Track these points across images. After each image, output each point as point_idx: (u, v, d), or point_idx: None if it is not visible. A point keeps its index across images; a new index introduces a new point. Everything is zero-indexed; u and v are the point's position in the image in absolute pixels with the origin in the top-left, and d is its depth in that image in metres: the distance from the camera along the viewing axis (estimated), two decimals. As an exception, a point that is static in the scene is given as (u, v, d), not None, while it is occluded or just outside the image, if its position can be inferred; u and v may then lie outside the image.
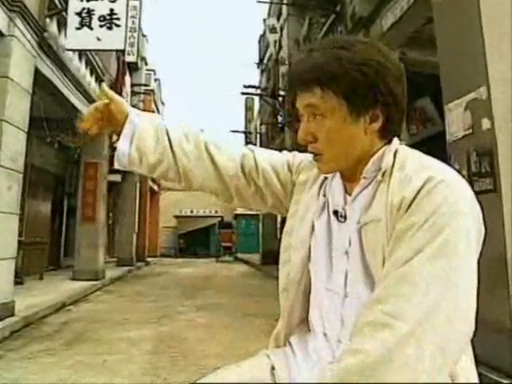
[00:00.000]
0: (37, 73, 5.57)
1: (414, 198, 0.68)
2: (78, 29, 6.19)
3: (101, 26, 6.21)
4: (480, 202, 0.71)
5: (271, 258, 13.80)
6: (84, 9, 6.23)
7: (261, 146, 15.11)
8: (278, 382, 0.84)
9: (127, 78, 11.91)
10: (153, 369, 3.26)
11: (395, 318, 0.61)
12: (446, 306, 0.61)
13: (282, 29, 12.88)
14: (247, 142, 17.43)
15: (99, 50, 7.63)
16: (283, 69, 11.94)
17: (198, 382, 0.85)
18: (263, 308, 5.81)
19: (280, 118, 13.23)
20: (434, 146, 3.53)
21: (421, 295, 0.61)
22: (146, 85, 16.36)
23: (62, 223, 11.70)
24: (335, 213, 0.84)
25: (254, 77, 20.01)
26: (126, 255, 13.86)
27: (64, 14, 6.36)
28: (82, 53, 7.82)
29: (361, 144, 0.79)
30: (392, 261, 0.67)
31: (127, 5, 6.49)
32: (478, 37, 2.98)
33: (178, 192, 23.64)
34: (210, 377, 0.86)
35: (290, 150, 1.05)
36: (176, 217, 25.79)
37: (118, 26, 6.27)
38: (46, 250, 9.22)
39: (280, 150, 1.07)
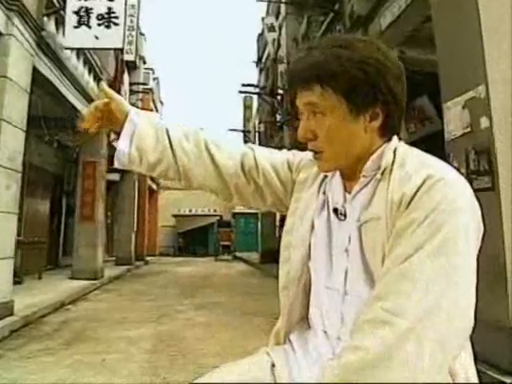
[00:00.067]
0: (35, 72, 5.56)
1: (414, 195, 0.68)
2: (76, 27, 6.17)
3: (99, 25, 6.20)
4: (478, 200, 0.72)
5: (270, 257, 13.81)
6: (82, 7, 6.21)
7: (259, 144, 15.09)
8: (278, 379, 0.84)
9: (125, 77, 11.89)
10: (152, 368, 3.26)
11: (395, 314, 0.61)
12: (447, 304, 0.61)
13: (280, 27, 12.87)
14: (245, 141, 17.40)
15: (97, 49, 7.61)
16: (282, 67, 11.93)
17: (197, 380, 0.85)
18: (262, 307, 5.82)
19: (278, 117, 13.23)
20: (433, 144, 3.53)
21: (421, 293, 0.62)
22: (144, 84, 16.33)
23: (60, 222, 11.68)
24: (335, 211, 0.84)
25: (253, 75, 20.02)
26: (125, 254, 13.85)
27: (62, 12, 6.35)
28: (80, 51, 7.80)
29: (360, 142, 0.79)
30: (392, 258, 0.67)
31: (125, 3, 6.48)
32: (477, 35, 2.98)
33: (177, 191, 23.65)
34: (209, 375, 0.86)
35: (288, 149, 1.06)
36: (175, 216, 25.79)
37: (116, 24, 6.25)
38: (44, 249, 9.22)
39: (279, 149, 1.07)
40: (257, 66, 18.91)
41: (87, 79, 8.54)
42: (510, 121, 2.87)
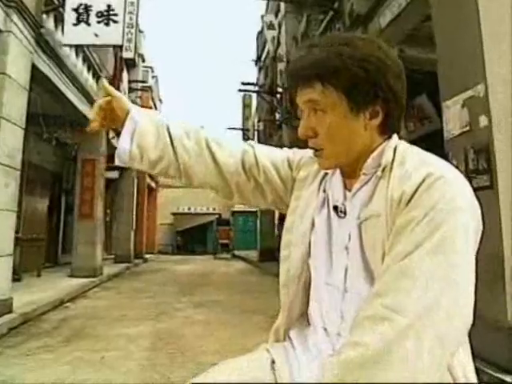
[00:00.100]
0: (34, 69, 5.54)
1: (414, 193, 0.69)
2: (75, 25, 6.17)
3: (98, 22, 6.19)
4: (478, 199, 0.72)
5: (269, 255, 13.83)
6: (81, 5, 6.20)
7: (258, 143, 15.06)
8: (278, 375, 0.84)
9: (124, 75, 11.88)
10: (151, 365, 3.26)
11: (395, 311, 0.62)
12: (446, 302, 0.62)
13: (280, 26, 12.85)
14: (244, 139, 17.40)
15: (97, 46, 7.59)
16: (281, 66, 11.93)
17: (198, 377, 0.86)
18: (261, 305, 5.83)
19: (278, 115, 13.21)
20: (432, 143, 3.54)
21: (420, 290, 0.62)
22: (143, 81, 16.31)
23: (59, 220, 11.68)
24: (335, 208, 0.85)
25: (252, 74, 19.99)
26: (124, 252, 13.86)
27: (61, 9, 6.33)
28: (79, 49, 7.78)
29: (361, 140, 0.80)
30: (392, 255, 0.68)
31: (125, 1, 6.46)
32: (476, 35, 2.99)
33: (176, 189, 23.66)
34: (210, 371, 0.86)
35: (288, 147, 1.06)
36: (174, 214, 25.78)
37: (115, 22, 6.24)
38: (43, 246, 9.21)
39: (278, 148, 1.07)
40: (256, 64, 18.88)
41: (86, 77, 8.53)
42: (509, 120, 2.88)
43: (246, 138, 18.68)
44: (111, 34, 6.25)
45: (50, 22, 6.29)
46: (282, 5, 12.39)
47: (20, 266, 7.28)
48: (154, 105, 19.30)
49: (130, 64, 13.81)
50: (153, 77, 19.55)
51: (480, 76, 2.95)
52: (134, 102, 13.26)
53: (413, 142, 0.82)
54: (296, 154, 1.00)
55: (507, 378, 2.51)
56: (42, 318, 5.05)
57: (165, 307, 5.81)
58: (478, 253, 0.70)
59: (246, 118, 20.82)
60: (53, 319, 4.99)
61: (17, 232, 5.76)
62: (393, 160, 0.77)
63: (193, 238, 25.59)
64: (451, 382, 0.68)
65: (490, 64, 2.92)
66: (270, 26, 13.24)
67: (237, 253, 20.73)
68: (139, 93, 15.84)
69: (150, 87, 17.67)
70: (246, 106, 21.00)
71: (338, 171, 0.88)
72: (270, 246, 14.35)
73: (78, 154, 9.59)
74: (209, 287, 8.31)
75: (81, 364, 3.27)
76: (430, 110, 5.89)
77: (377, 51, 0.77)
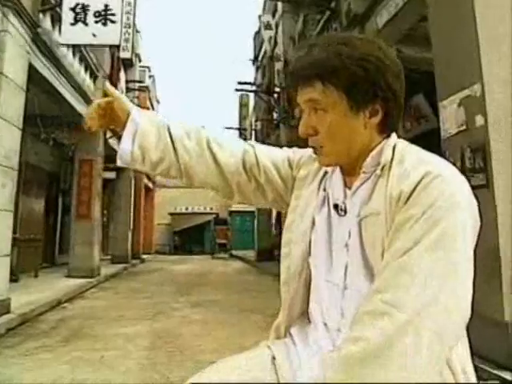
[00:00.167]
0: (31, 69, 5.53)
1: (412, 191, 0.70)
2: (72, 24, 6.14)
3: (96, 22, 6.17)
4: (476, 197, 0.73)
5: (266, 255, 13.85)
6: (78, 4, 6.18)
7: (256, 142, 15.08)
8: (279, 371, 0.85)
9: (122, 75, 11.85)
10: (150, 364, 3.27)
11: (394, 307, 0.63)
12: (444, 299, 0.63)
13: (277, 25, 12.87)
14: (241, 139, 17.39)
15: (94, 46, 7.58)
16: (278, 65, 11.94)
17: (198, 375, 0.86)
18: (259, 304, 5.84)
19: (275, 115, 13.23)
20: (428, 142, 3.56)
21: (419, 287, 0.63)
22: (140, 81, 16.28)
23: (56, 220, 11.64)
24: (335, 207, 0.86)
25: (249, 73, 19.99)
26: (121, 252, 13.82)
27: (58, 9, 6.31)
28: (76, 49, 7.76)
29: (361, 138, 0.81)
30: (391, 252, 0.69)
31: (122, 0, 6.45)
32: (473, 35, 3.01)
33: (173, 189, 23.61)
34: (210, 368, 0.86)
35: (286, 147, 1.07)
36: (171, 214, 25.74)
37: (113, 21, 6.23)
38: (40, 247, 9.17)
39: (277, 147, 1.08)
40: (253, 63, 18.89)
41: (83, 77, 8.51)
42: (509, 119, 2.90)
43: (243, 137, 18.69)
44: (109, 34, 6.24)
45: (46, 22, 6.27)
46: (280, 4, 12.40)
47: (17, 266, 7.25)
48: (152, 105, 19.27)
49: (127, 64, 13.78)
50: (150, 77, 19.51)
51: (476, 76, 2.97)
52: (131, 102, 13.23)
53: (410, 141, 0.83)
54: (296, 154, 1.01)
55: (506, 376, 2.53)
56: (40, 318, 5.03)
57: (162, 307, 5.81)
58: (474, 250, 0.71)
59: (243, 118, 20.84)
60: (51, 319, 4.98)
61: (14, 232, 5.75)
62: (392, 159, 0.78)
63: (190, 237, 25.55)
64: (450, 375, 0.70)
65: (486, 63, 2.94)
66: (268, 26, 13.25)
67: (234, 252, 20.73)
68: (136, 93, 15.80)
69: (147, 87, 17.63)
70: (243, 105, 21.01)
71: (337, 170, 0.89)
72: (267, 246, 14.37)
73: (75, 155, 9.56)
74: (206, 287, 8.31)
75: (80, 363, 3.27)
76: (426, 109, 5.92)
77: (376, 51, 0.78)
